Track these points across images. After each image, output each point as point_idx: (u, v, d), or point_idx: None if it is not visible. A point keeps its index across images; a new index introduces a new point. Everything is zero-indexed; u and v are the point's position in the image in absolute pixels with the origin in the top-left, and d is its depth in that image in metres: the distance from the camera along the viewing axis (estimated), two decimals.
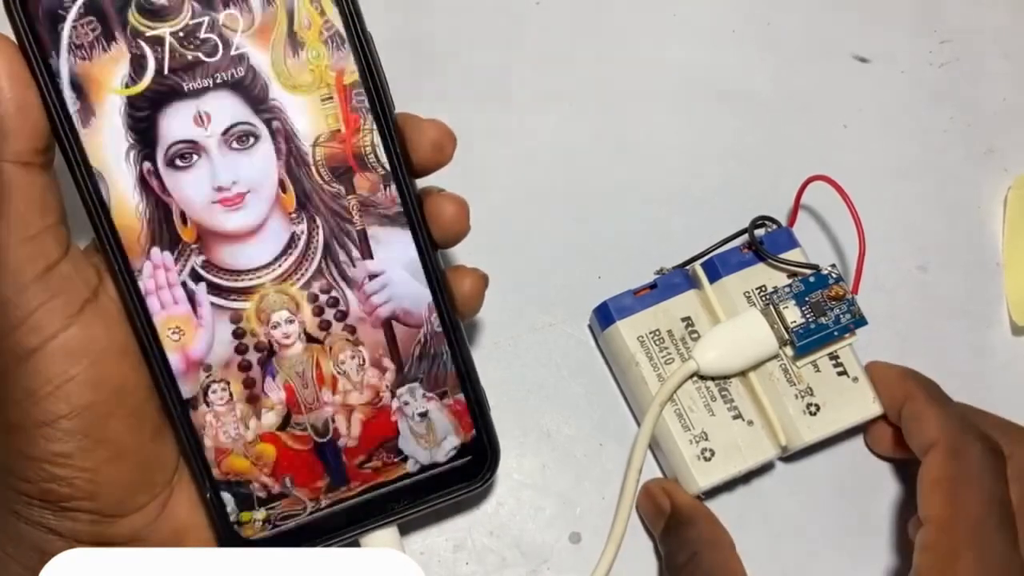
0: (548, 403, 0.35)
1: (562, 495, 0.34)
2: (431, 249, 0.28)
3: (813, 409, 0.32)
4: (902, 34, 0.42)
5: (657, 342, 0.33)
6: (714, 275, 0.34)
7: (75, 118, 0.25)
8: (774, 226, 0.35)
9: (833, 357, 0.33)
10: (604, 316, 0.34)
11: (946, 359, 0.37)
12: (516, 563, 0.33)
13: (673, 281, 0.34)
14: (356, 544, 0.29)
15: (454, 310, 0.29)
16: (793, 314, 0.32)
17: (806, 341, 0.32)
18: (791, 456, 0.34)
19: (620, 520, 0.32)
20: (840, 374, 0.33)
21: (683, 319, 0.33)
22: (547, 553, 0.33)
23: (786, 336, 0.32)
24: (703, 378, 0.33)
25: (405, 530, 0.33)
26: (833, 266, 0.33)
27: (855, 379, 0.33)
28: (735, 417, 0.32)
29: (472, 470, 0.29)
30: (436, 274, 0.29)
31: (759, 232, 0.34)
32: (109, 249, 0.26)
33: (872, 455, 0.35)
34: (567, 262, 0.37)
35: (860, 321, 0.33)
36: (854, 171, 0.40)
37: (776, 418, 0.33)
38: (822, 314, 0.32)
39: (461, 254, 0.36)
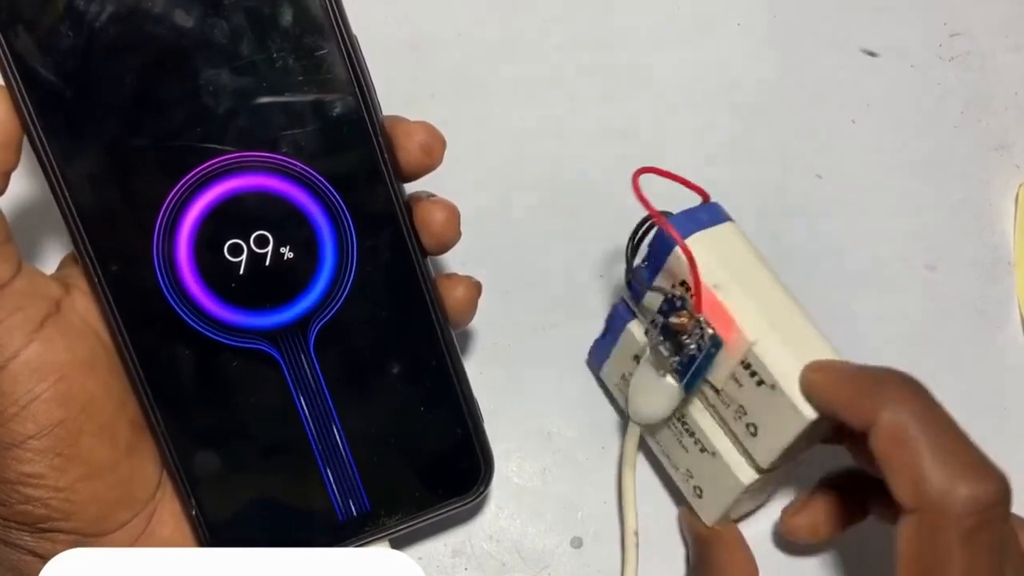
0: (549, 405, 0.35)
1: (563, 499, 0.34)
2: (421, 256, 0.28)
3: (752, 430, 0.29)
4: (911, 27, 0.42)
5: (627, 383, 0.31)
6: (638, 295, 0.31)
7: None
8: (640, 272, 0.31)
9: (746, 366, 0.28)
10: (595, 367, 0.35)
11: (955, 360, 0.36)
12: (516, 568, 0.33)
13: (618, 318, 0.32)
14: None
15: (446, 319, 0.28)
16: (662, 355, 0.29)
17: (687, 379, 0.28)
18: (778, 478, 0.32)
19: None
20: (759, 384, 0.28)
21: (633, 358, 0.32)
22: (548, 558, 0.33)
23: (676, 379, 0.29)
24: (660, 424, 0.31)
25: (403, 536, 0.32)
26: (681, 284, 0.29)
27: (772, 387, 0.27)
28: (702, 451, 0.31)
29: (466, 484, 0.29)
30: (427, 282, 0.28)
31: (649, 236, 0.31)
32: (87, 257, 0.25)
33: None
34: (568, 260, 0.37)
35: (716, 341, 0.28)
36: (862, 167, 0.39)
37: (732, 444, 0.30)
38: (681, 347, 0.28)
39: (460, 253, 0.36)
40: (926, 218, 0.39)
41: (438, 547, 0.33)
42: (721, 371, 0.29)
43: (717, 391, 0.29)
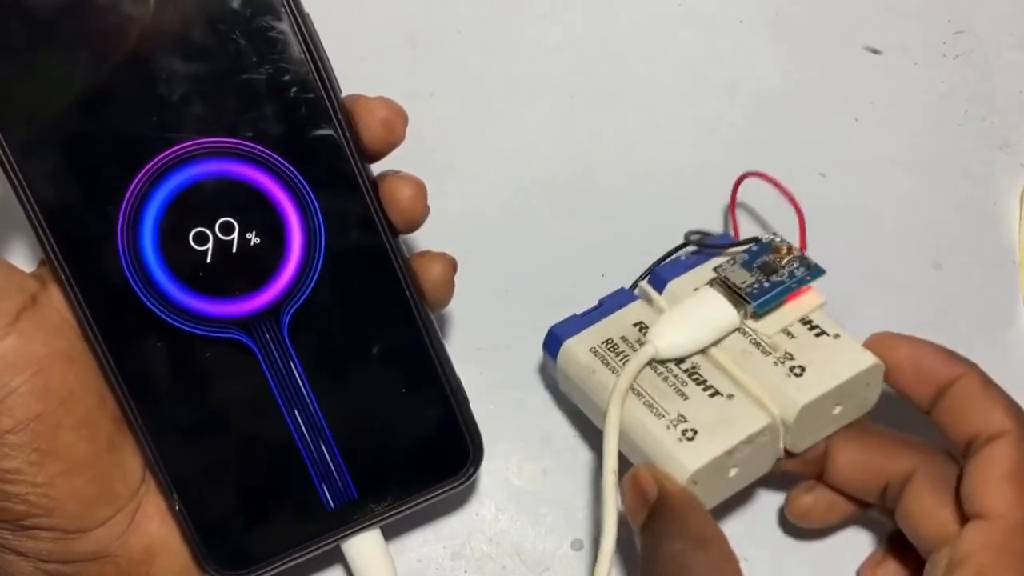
0: (549, 405, 0.35)
1: (563, 501, 0.33)
2: (392, 235, 0.27)
3: (798, 371, 0.29)
4: (915, 24, 0.41)
5: (611, 349, 0.31)
6: (660, 284, 0.32)
7: None
8: (709, 235, 0.33)
9: (805, 322, 0.31)
10: (552, 343, 0.32)
11: None
12: (516, 571, 0.32)
13: (620, 297, 0.32)
14: (338, 549, 0.29)
15: (423, 299, 0.28)
16: (742, 276, 0.31)
17: (763, 299, 0.30)
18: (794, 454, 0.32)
19: (608, 535, 0.28)
20: (819, 335, 0.30)
21: (635, 324, 0.31)
22: (548, 561, 0.33)
23: (742, 300, 0.30)
24: (665, 364, 0.30)
25: (401, 536, 0.32)
26: (774, 233, 0.32)
27: (836, 336, 0.30)
28: (712, 395, 0.29)
29: (454, 466, 0.29)
30: (399, 260, 0.27)
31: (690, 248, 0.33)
32: (52, 255, 0.25)
33: None
34: (569, 259, 0.37)
35: (816, 271, 0.31)
36: (865, 166, 0.39)
37: (759, 388, 0.29)
38: (773, 271, 0.31)
39: (460, 252, 0.35)
40: (930, 217, 0.38)
41: (437, 550, 0.33)
42: (775, 323, 0.31)
43: (756, 343, 0.30)
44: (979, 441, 0.27)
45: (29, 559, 0.24)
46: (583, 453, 0.34)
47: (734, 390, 0.29)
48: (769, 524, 0.33)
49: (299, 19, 0.26)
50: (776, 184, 0.32)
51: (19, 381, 0.24)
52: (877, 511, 0.31)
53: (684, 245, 0.33)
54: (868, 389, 0.30)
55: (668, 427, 0.28)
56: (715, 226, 0.35)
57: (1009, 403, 0.28)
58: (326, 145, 0.26)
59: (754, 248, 0.32)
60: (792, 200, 0.32)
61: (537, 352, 0.35)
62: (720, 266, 0.32)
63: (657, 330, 0.30)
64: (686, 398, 0.29)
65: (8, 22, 0.24)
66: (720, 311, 0.30)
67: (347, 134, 0.26)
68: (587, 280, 0.36)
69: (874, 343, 0.30)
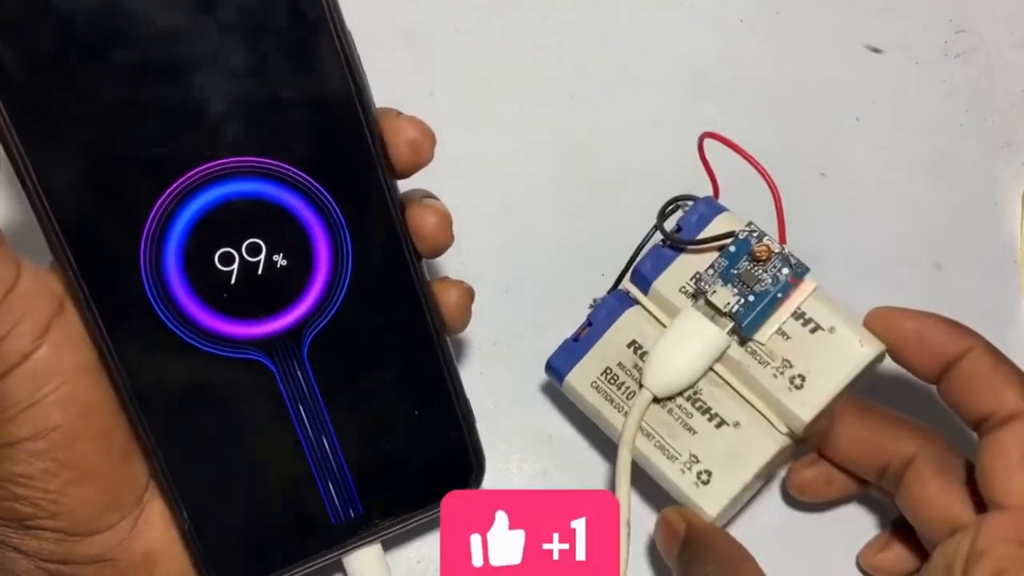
0: (550, 405, 0.34)
1: None
2: (416, 260, 0.27)
3: (798, 382, 0.29)
4: (916, 23, 0.41)
5: (612, 381, 0.31)
6: (644, 284, 0.31)
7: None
8: (689, 203, 0.32)
9: (798, 316, 0.29)
10: (554, 373, 0.32)
11: None
12: None
13: (608, 308, 0.31)
14: (339, 563, 0.28)
15: (441, 323, 0.28)
16: (724, 296, 0.29)
17: (750, 317, 0.29)
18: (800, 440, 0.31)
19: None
20: (814, 331, 0.29)
21: (629, 345, 0.31)
22: None
23: (728, 322, 0.29)
24: (669, 399, 0.30)
25: (401, 536, 0.32)
26: (750, 224, 0.30)
27: (831, 329, 0.29)
28: (719, 426, 0.29)
29: (457, 483, 0.29)
30: (422, 286, 0.27)
31: (676, 217, 0.31)
32: (70, 269, 0.25)
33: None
34: (569, 258, 0.36)
35: (801, 269, 0.29)
36: (866, 165, 0.39)
37: (764, 407, 0.29)
38: (755, 281, 0.29)
39: (460, 252, 0.35)
40: (931, 216, 0.38)
41: (437, 550, 0.32)
42: (768, 327, 0.29)
43: (752, 352, 0.29)
44: (992, 422, 0.26)
45: (30, 557, 0.24)
46: (583, 453, 0.34)
47: (739, 414, 0.29)
48: (768, 516, 0.33)
49: (342, 39, 0.25)
50: (741, 151, 0.30)
51: (46, 391, 0.24)
52: (876, 490, 0.31)
53: (656, 230, 0.32)
54: (871, 368, 0.29)
55: (683, 471, 0.29)
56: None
57: (1021, 380, 0.27)
58: (359, 169, 0.26)
59: (731, 249, 0.30)
60: (762, 172, 0.30)
61: (537, 352, 0.35)
62: (700, 278, 0.30)
63: (649, 368, 0.30)
64: (694, 432, 0.29)
65: (41, 32, 0.23)
66: (709, 338, 0.29)
67: (380, 159, 0.26)
68: (586, 279, 0.36)
69: (874, 320, 0.29)
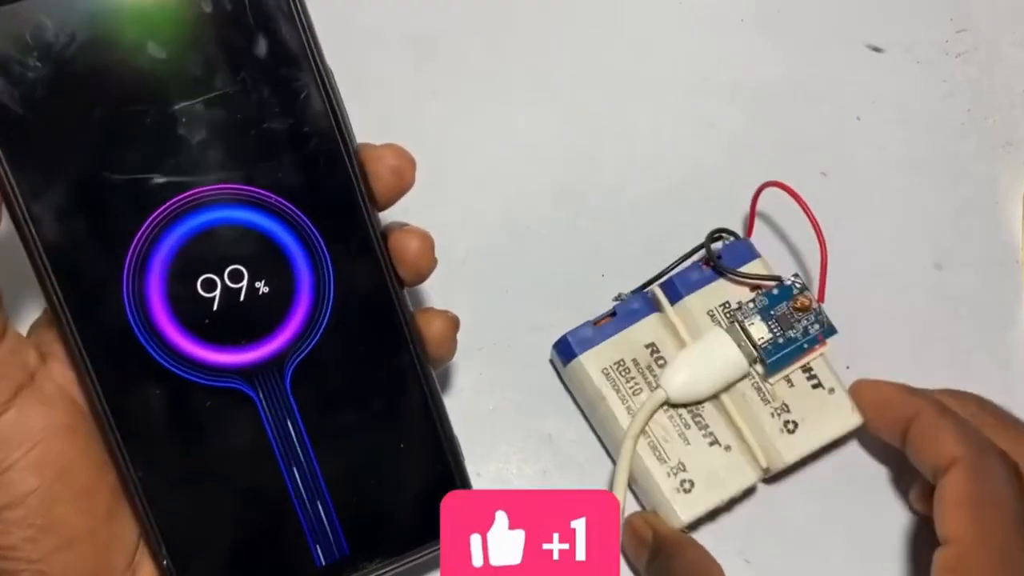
0: (549, 406, 0.34)
1: None
2: (399, 288, 0.27)
3: (791, 427, 0.31)
4: (917, 23, 0.41)
5: (623, 373, 0.32)
6: (675, 296, 0.33)
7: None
8: (731, 238, 0.34)
9: (806, 370, 0.32)
10: (565, 350, 0.32)
11: (962, 360, 0.36)
12: None
13: (633, 307, 0.33)
14: None
15: (425, 353, 0.28)
16: (760, 330, 0.32)
17: (776, 357, 0.31)
18: (772, 478, 0.33)
19: None
20: (815, 387, 0.32)
21: (647, 346, 0.32)
22: None
23: (755, 354, 0.31)
24: (674, 406, 0.31)
25: None
26: (796, 275, 0.33)
27: (831, 390, 0.32)
28: (711, 444, 0.31)
29: None
30: (405, 315, 0.27)
31: (716, 245, 0.34)
32: (54, 294, 0.25)
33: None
34: (569, 260, 0.36)
35: (829, 330, 0.32)
36: (867, 165, 0.39)
37: (754, 440, 0.32)
38: (789, 327, 0.32)
39: (460, 252, 0.35)
40: (933, 216, 0.38)
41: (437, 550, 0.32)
42: (783, 371, 0.32)
43: (758, 388, 0.32)
44: (939, 472, 0.29)
45: None
46: (583, 453, 0.34)
47: (732, 440, 0.31)
48: (768, 527, 0.33)
49: (322, 70, 0.25)
50: (804, 208, 0.33)
51: (16, 456, 0.23)
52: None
53: (703, 247, 0.34)
54: (852, 433, 0.33)
55: (669, 474, 0.31)
56: (720, 223, 0.35)
57: (960, 430, 0.30)
58: (341, 197, 0.26)
59: (775, 292, 0.32)
60: (817, 230, 0.32)
61: (538, 352, 0.35)
62: (739, 308, 0.32)
63: (670, 372, 0.31)
64: (688, 443, 0.31)
65: (25, 64, 0.23)
66: (732, 362, 0.31)
67: (361, 187, 0.26)
68: (587, 280, 0.36)
69: (851, 389, 0.33)
